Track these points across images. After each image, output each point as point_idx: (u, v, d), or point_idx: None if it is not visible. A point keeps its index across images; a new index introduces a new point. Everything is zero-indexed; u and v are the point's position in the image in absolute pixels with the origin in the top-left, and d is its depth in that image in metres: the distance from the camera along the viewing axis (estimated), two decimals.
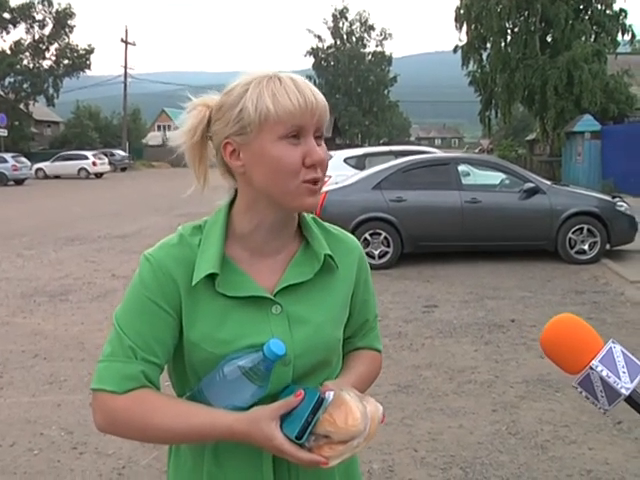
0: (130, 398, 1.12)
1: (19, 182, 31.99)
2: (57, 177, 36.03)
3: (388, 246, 9.06)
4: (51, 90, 48.23)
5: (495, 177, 9.98)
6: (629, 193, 15.84)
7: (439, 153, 13.64)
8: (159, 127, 67.17)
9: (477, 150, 78.81)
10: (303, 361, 1.18)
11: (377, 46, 64.40)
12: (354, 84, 61.97)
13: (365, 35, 63.67)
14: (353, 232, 7.83)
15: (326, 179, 1.18)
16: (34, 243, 11.75)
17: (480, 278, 8.28)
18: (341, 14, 62.62)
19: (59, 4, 47.68)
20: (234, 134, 1.13)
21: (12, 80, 46.89)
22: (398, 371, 4.94)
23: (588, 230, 9.05)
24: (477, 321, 6.33)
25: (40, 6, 47.10)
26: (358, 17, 63.34)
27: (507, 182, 9.70)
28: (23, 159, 33.12)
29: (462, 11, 26.79)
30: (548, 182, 9.82)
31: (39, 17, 47.36)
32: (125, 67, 50.04)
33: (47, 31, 47.75)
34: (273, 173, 1.12)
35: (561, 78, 23.25)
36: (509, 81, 25.41)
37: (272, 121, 1.10)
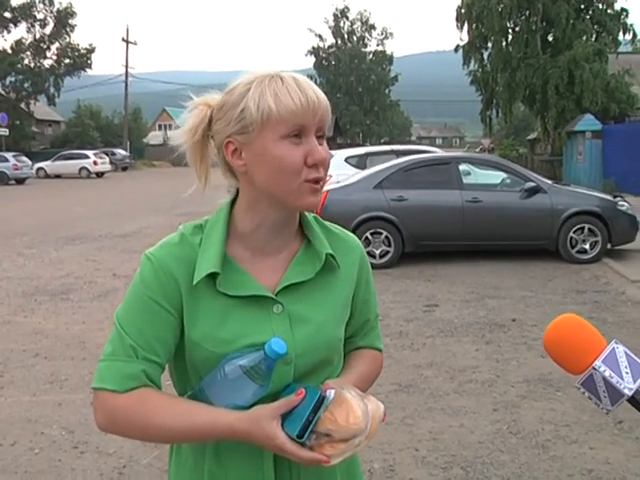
0: (131, 397, 1.12)
1: (20, 181, 32.03)
2: (58, 176, 36.04)
3: (389, 245, 9.06)
4: (52, 89, 48.26)
5: (496, 176, 9.97)
6: (630, 192, 15.85)
7: (440, 152, 13.62)
8: (160, 126, 67.26)
9: (478, 149, 78.70)
10: (304, 360, 1.18)
11: (378, 45, 64.58)
12: (355, 83, 62.00)
13: (366, 34, 63.73)
14: (354, 231, 7.79)
15: (327, 178, 1.18)
16: (35, 242, 11.75)
17: (481, 277, 8.28)
18: (342, 13, 62.66)
19: (60, 3, 47.80)
20: (236, 133, 1.13)
21: (13, 79, 46.95)
22: (399, 370, 4.94)
23: (589, 229, 9.05)
24: (478, 320, 6.33)
25: (41, 5, 47.20)
26: (359, 16, 63.46)
27: (508, 181, 9.69)
28: (24, 158, 33.13)
29: (463, 10, 26.82)
30: (549, 181, 9.81)
31: (40, 16, 47.42)
32: (126, 66, 50.04)
33: (48, 30, 47.81)
34: (275, 172, 1.12)
35: (562, 77, 23.26)
36: (510, 80, 25.42)
37: (274, 120, 1.09)
